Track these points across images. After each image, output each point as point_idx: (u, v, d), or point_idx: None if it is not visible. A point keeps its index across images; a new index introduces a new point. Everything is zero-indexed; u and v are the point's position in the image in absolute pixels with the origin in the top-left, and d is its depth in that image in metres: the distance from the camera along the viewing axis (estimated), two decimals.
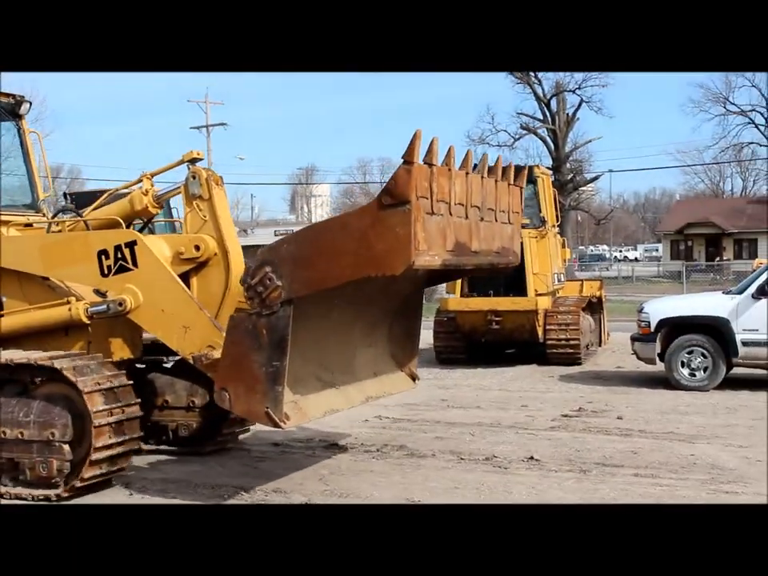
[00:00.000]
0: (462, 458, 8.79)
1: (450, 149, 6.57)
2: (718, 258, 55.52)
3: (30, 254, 8.11)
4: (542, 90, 50.15)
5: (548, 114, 50.37)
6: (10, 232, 8.51)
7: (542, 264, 15.91)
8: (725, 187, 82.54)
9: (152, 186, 8.49)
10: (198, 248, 7.79)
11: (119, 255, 7.67)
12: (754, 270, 15.54)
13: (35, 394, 7.45)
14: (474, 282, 15.80)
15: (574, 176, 49.49)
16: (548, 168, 32.50)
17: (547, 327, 15.62)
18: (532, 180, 16.65)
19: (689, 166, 76.64)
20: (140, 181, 8.52)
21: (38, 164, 9.36)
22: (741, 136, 62.44)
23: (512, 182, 7.96)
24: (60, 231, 8.62)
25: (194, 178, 7.85)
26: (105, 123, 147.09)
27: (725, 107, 60.98)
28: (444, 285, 15.97)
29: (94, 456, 7.11)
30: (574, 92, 50.22)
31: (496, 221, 7.61)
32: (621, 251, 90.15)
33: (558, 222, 18.06)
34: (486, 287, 15.66)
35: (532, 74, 48.64)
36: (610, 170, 59.42)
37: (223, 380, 6.73)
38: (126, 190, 8.85)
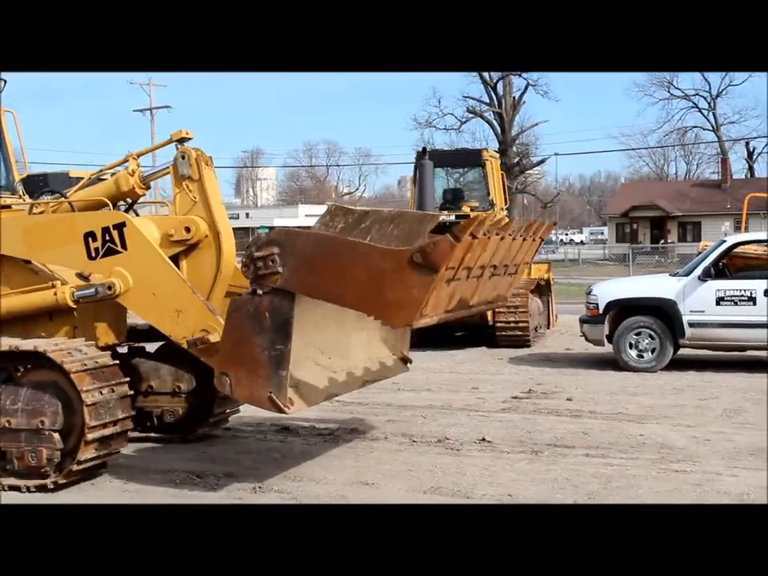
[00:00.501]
0: (414, 441, 8.82)
1: (496, 220, 6.65)
2: (662, 241, 56.29)
3: (13, 237, 7.84)
4: (489, 73, 50.29)
5: (494, 97, 50.70)
6: None
7: None
8: (669, 171, 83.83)
9: (138, 166, 8.28)
10: (188, 230, 7.61)
11: (107, 237, 7.47)
12: (700, 253, 15.74)
13: (22, 382, 7.27)
14: None
15: (521, 159, 49.87)
16: (495, 151, 32.64)
17: (496, 310, 15.69)
18: (480, 163, 16.74)
19: (633, 149, 77.73)
20: (125, 161, 8.30)
21: (13, 144, 9.05)
22: (685, 120, 63.55)
23: (536, 238, 7.96)
24: (42, 213, 8.34)
25: (183, 158, 7.66)
26: (46, 105, 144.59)
27: (669, 91, 62.03)
28: None
29: (89, 436, 6.92)
30: (520, 75, 50.51)
31: (504, 274, 7.64)
32: (567, 234, 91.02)
33: (506, 204, 18.16)
34: None
35: None
36: (556, 154, 59.83)
37: (224, 364, 6.61)
38: (110, 171, 8.64)
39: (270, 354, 6.33)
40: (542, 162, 54.95)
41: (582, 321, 14.01)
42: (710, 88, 61.94)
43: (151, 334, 8.74)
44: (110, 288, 7.40)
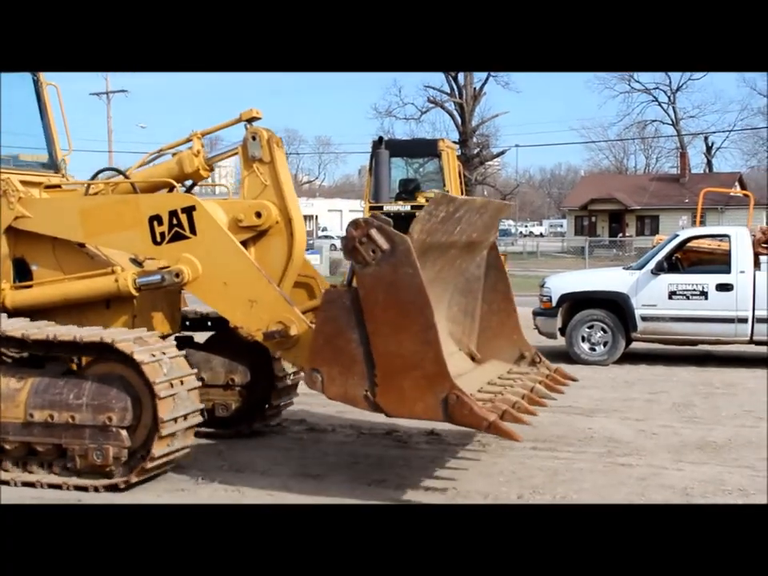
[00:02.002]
0: (362, 433, 8.80)
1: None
2: (620, 234, 56.76)
3: (69, 219, 7.44)
4: None
5: (455, 87, 50.71)
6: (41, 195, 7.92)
7: None
8: (628, 164, 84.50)
9: (203, 146, 7.92)
10: (259, 215, 7.22)
11: (174, 221, 7.10)
12: (654, 247, 15.88)
13: (86, 374, 6.96)
14: None
15: (481, 150, 49.95)
16: (455, 142, 32.76)
17: None
18: (437, 154, 16.77)
19: (594, 142, 78.25)
20: (189, 140, 7.93)
21: (56, 120, 8.68)
22: (644, 113, 64.10)
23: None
24: (98, 194, 7.98)
25: (253, 138, 7.31)
26: None
27: (629, 84, 62.46)
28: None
29: (163, 430, 6.55)
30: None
31: None
32: (526, 226, 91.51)
33: (462, 195, 18.18)
34: None
35: None
36: (516, 145, 60.16)
37: (315, 360, 6.38)
38: (171, 150, 8.19)
39: (365, 349, 6.16)
40: (502, 153, 55.18)
41: (535, 313, 14.06)
42: (670, 82, 62.57)
43: (200, 323, 8.57)
44: (177, 275, 7.04)
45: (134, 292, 7.31)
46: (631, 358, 13.48)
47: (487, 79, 50.61)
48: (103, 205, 7.52)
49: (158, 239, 7.15)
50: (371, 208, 16.83)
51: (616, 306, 13.20)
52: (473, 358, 8.14)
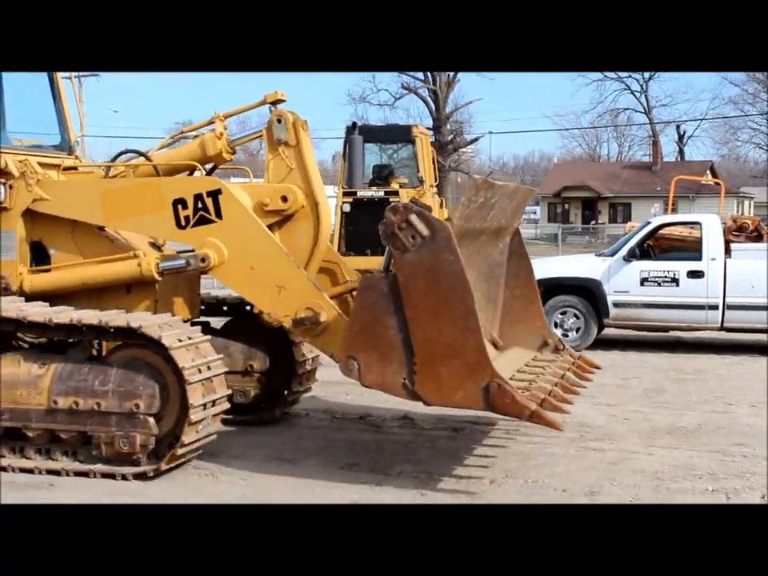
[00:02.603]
0: (335, 417, 8.83)
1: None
2: (593, 222, 57.00)
3: (89, 202, 7.28)
4: None
5: (429, 74, 50.61)
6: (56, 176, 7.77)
7: None
8: (601, 152, 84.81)
9: (225, 128, 7.78)
10: (285, 199, 7.08)
11: (200, 205, 6.97)
12: (626, 234, 15.97)
13: (110, 360, 6.83)
14: (350, 241, 15.78)
15: (455, 137, 49.99)
16: (428, 128, 32.71)
17: None
18: (410, 140, 16.78)
19: (567, 129, 78.42)
20: (211, 122, 7.80)
21: (68, 103, 8.54)
22: (617, 101, 64.28)
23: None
24: (116, 176, 7.86)
25: (279, 121, 7.15)
26: None
27: (602, 73, 62.26)
28: None
29: (193, 417, 6.43)
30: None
31: None
32: None
33: (436, 182, 18.21)
34: (363, 247, 15.70)
35: None
36: (490, 132, 60.29)
37: (351, 348, 6.29)
38: (193, 132, 8.10)
39: (403, 336, 6.09)
40: (476, 140, 55.22)
41: None
42: (643, 72, 62.62)
43: (217, 307, 8.45)
44: (203, 260, 6.93)
45: (157, 277, 7.21)
46: (603, 344, 13.56)
47: None
48: (125, 188, 7.41)
49: (183, 223, 7.04)
50: (345, 193, 16.83)
51: (588, 293, 13.27)
52: (495, 345, 8.03)
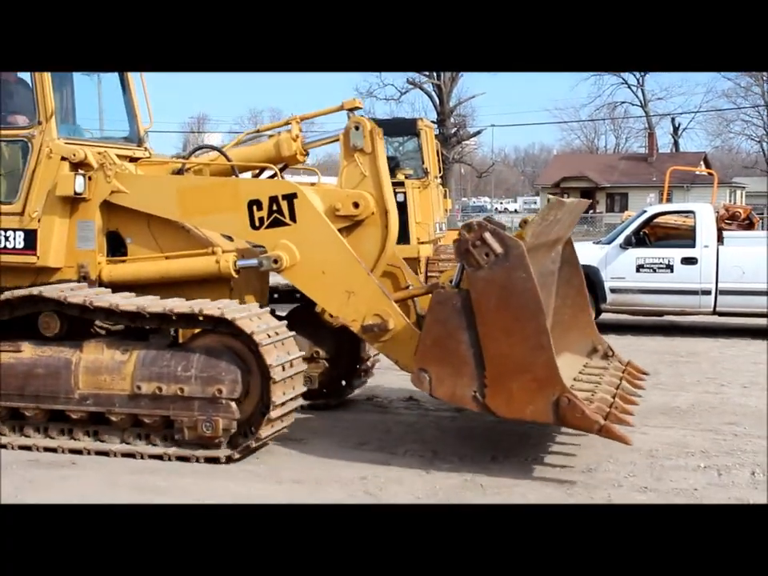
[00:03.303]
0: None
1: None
2: (591, 211, 56.81)
3: (166, 198, 7.20)
4: None
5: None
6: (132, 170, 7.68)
7: (424, 213, 15.95)
8: (599, 144, 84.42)
9: (301, 130, 7.73)
10: (356, 205, 6.97)
11: (274, 207, 6.88)
12: (623, 222, 15.96)
13: (193, 347, 6.75)
14: None
15: (458, 130, 49.81)
16: (433, 122, 32.62)
17: (428, 274, 15.71)
18: (415, 133, 16.71)
19: (566, 122, 78.13)
20: (287, 123, 7.76)
21: (138, 96, 8.45)
22: (614, 95, 63.96)
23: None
24: (189, 170, 7.81)
25: (357, 128, 7.03)
26: None
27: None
28: None
29: (273, 413, 6.39)
30: None
31: None
32: (501, 203, 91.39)
33: (440, 173, 18.15)
34: None
35: None
36: (492, 125, 59.88)
37: (423, 360, 6.21)
38: (269, 132, 8.05)
39: (474, 351, 6.03)
40: (479, 133, 54.93)
41: None
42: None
43: (289, 295, 8.31)
44: (275, 262, 6.84)
45: (233, 274, 7.15)
46: (601, 328, 13.35)
47: None
48: (202, 186, 7.32)
49: (257, 224, 6.96)
50: None
51: (586, 279, 13.18)
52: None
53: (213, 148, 8.27)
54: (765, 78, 53.82)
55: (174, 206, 7.17)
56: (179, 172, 7.73)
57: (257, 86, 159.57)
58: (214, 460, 6.52)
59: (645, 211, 14.44)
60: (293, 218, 6.87)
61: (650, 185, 54.68)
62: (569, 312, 8.07)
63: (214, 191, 7.16)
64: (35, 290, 6.81)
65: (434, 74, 49.90)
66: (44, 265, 7.21)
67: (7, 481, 6.18)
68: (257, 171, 8.01)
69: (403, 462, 6.73)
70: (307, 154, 7.91)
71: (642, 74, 62.12)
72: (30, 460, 6.72)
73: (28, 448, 6.85)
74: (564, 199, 7.16)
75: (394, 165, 17.69)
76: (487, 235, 5.92)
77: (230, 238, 7.43)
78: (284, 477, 6.38)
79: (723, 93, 61.67)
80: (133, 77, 8.32)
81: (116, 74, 8.29)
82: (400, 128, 18.38)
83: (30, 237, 7.16)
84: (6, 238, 7.19)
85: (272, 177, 7.66)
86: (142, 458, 6.65)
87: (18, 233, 7.19)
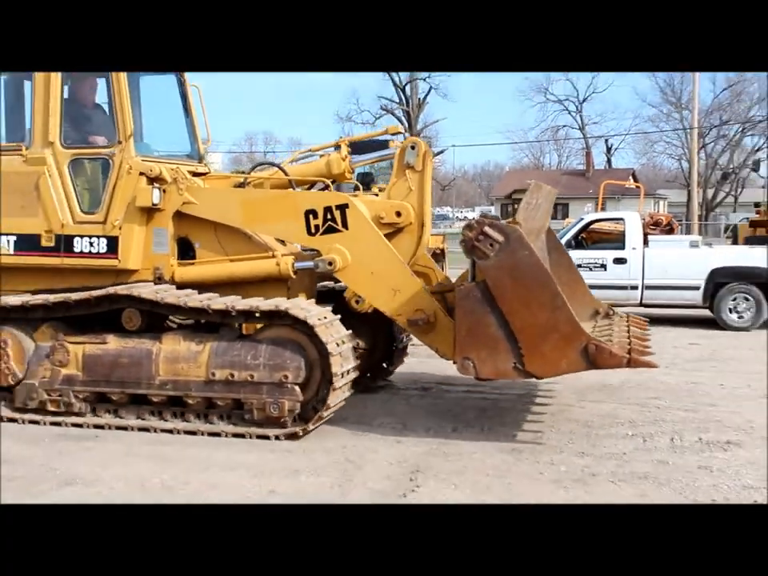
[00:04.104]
0: None
1: None
2: None
3: (232, 208, 7.09)
4: (399, 77, 50.22)
5: (403, 98, 50.57)
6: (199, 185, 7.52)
7: None
8: (544, 161, 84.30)
9: (349, 152, 7.66)
10: (399, 214, 6.86)
11: (329, 216, 6.79)
12: (564, 228, 16.03)
13: (260, 338, 6.65)
14: None
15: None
16: (401, 142, 32.58)
17: None
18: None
19: (516, 143, 78.09)
20: (337, 145, 7.67)
21: (198, 116, 8.38)
22: (557, 120, 64.03)
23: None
24: (249, 184, 7.65)
25: (412, 148, 6.90)
26: None
27: (545, 96, 62.29)
28: None
29: (336, 383, 6.34)
30: (424, 80, 50.55)
31: None
32: (461, 212, 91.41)
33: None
34: None
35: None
36: (453, 146, 59.80)
37: (463, 350, 6.07)
38: (321, 152, 7.90)
39: (505, 330, 5.92)
40: (442, 152, 54.43)
41: None
42: (578, 94, 62.59)
43: (329, 294, 8.10)
44: (330, 264, 6.75)
45: (292, 275, 7.04)
46: None
47: (429, 91, 50.57)
48: (264, 198, 7.21)
49: (313, 230, 6.87)
50: None
51: None
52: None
53: (272, 164, 8.19)
54: (683, 106, 54.14)
55: (238, 216, 7.08)
56: (241, 185, 7.66)
57: (251, 111, 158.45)
58: (294, 435, 6.48)
59: (582, 219, 14.54)
60: (345, 225, 6.80)
61: (587, 196, 54.78)
62: (566, 288, 7.97)
63: (275, 202, 7.08)
64: (135, 291, 6.76)
65: (404, 101, 49.95)
66: (124, 267, 7.12)
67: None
68: (307, 186, 7.92)
69: (378, 433, 6.74)
70: (353, 172, 7.84)
71: (581, 101, 62.31)
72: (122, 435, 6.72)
73: (124, 428, 6.80)
74: (541, 183, 7.15)
75: (370, 179, 17.67)
76: (487, 229, 5.86)
77: (282, 243, 7.35)
78: (275, 447, 6.38)
79: (648, 118, 61.76)
80: (193, 98, 8.23)
81: (179, 96, 8.21)
82: (375, 147, 18.40)
83: (112, 242, 7.06)
84: (91, 244, 7.09)
85: (323, 189, 7.60)
86: (226, 435, 6.58)
87: (101, 239, 7.09)
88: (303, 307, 6.54)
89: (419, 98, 50.86)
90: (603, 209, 27.33)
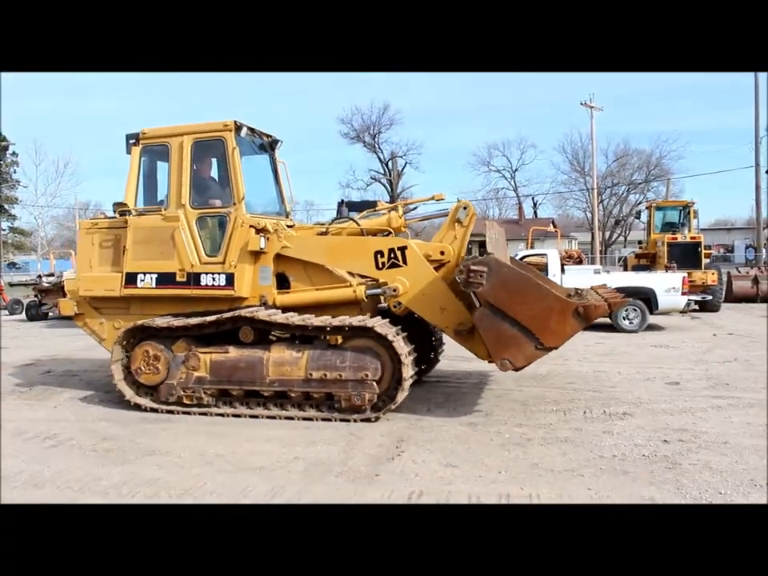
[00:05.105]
0: None
1: None
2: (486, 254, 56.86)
3: (318, 250, 6.98)
4: (383, 155, 50.61)
5: (387, 169, 50.79)
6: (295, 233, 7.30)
7: None
8: (489, 214, 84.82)
9: (405, 212, 7.65)
10: (443, 253, 6.74)
11: (392, 255, 6.72)
12: None
13: (346, 347, 6.45)
14: None
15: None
16: (387, 202, 32.74)
17: None
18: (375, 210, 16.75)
19: (468, 201, 78.19)
20: (395, 206, 7.61)
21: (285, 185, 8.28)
22: (497, 184, 64.37)
23: None
24: (329, 233, 7.41)
25: (464, 208, 6.82)
26: None
27: (488, 167, 62.60)
28: None
29: (404, 384, 6.25)
30: (401, 157, 50.91)
31: None
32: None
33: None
34: None
35: (377, 145, 48.95)
36: (424, 203, 59.99)
37: (499, 354, 5.86)
38: (383, 210, 7.79)
39: (519, 328, 5.74)
40: (415, 208, 55.16)
41: None
42: (512, 165, 62.86)
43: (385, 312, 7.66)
44: (394, 290, 6.67)
45: (364, 299, 6.87)
46: None
47: (405, 165, 50.86)
48: (344, 243, 7.10)
49: (380, 266, 6.80)
50: None
51: None
52: None
53: (349, 218, 8.08)
54: (586, 173, 54.54)
55: (324, 256, 7.00)
56: (324, 233, 7.48)
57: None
58: (367, 420, 6.36)
59: (517, 254, 14.57)
60: (404, 261, 6.74)
61: (520, 238, 54.69)
62: (542, 282, 7.92)
63: (352, 246, 7.00)
64: (261, 315, 6.66)
65: (388, 172, 50.17)
66: (239, 295, 7.01)
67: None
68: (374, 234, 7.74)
69: (358, 417, 6.65)
70: (407, 227, 7.77)
71: (514, 170, 62.61)
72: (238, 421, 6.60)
73: (238, 416, 6.66)
74: (492, 221, 7.14)
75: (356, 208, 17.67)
76: (472, 266, 5.83)
77: (352, 276, 7.04)
78: (297, 424, 6.33)
79: (562, 182, 62.25)
80: (281, 171, 8.20)
81: (270, 169, 8.17)
82: (366, 206, 18.41)
83: (230, 277, 7.00)
84: (213, 279, 7.05)
85: (386, 236, 7.49)
86: (317, 420, 6.43)
87: (221, 275, 7.03)
88: (382, 324, 6.45)
89: (398, 170, 51.14)
90: (532, 247, 27.42)
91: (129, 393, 7.08)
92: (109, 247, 7.50)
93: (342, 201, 17.38)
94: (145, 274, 7.25)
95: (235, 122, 7.06)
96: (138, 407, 6.99)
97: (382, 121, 49.73)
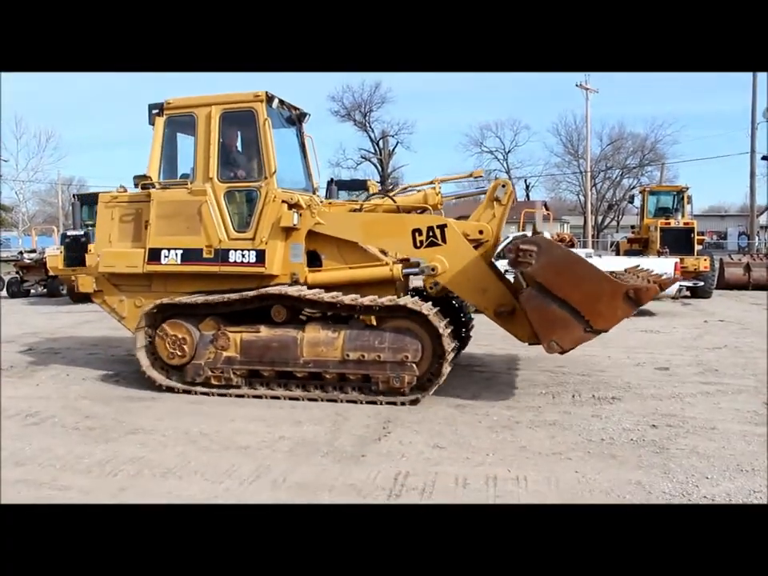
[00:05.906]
0: None
1: None
2: None
3: (352, 227, 6.77)
4: (374, 134, 50.28)
5: (377, 149, 50.49)
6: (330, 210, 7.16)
7: None
8: (481, 198, 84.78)
9: (440, 187, 7.42)
10: (481, 232, 6.63)
11: (431, 233, 6.56)
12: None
13: (384, 327, 6.30)
14: None
15: (393, 187, 49.68)
16: (377, 182, 32.60)
17: None
18: (366, 188, 16.67)
19: (460, 180, 78.11)
20: (432, 182, 7.42)
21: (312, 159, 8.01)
22: (490, 165, 64.25)
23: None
24: (364, 210, 7.20)
25: (503, 186, 6.70)
26: None
27: (480, 148, 62.38)
28: None
29: (448, 357, 6.18)
30: (393, 136, 50.60)
31: None
32: None
33: None
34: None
35: (368, 124, 48.64)
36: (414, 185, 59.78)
37: (546, 336, 5.75)
38: (420, 187, 7.64)
39: (568, 309, 5.64)
40: (405, 189, 54.91)
41: None
42: (504, 147, 62.71)
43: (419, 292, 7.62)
44: (433, 270, 6.51)
45: (401, 278, 6.73)
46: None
47: (396, 144, 50.58)
48: (379, 219, 6.89)
49: (418, 245, 6.65)
50: None
51: None
52: None
53: (384, 194, 7.95)
54: (579, 156, 54.54)
55: (359, 233, 6.79)
56: (357, 210, 7.27)
57: None
58: (415, 401, 6.26)
59: (509, 237, 14.55)
60: (443, 240, 6.60)
61: (512, 221, 55.03)
62: None
63: (388, 223, 6.80)
64: (304, 293, 6.52)
65: (378, 152, 49.89)
66: (269, 273, 6.80)
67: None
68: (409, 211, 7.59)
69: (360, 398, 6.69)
70: (442, 204, 7.67)
71: (506, 152, 62.50)
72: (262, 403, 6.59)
73: (276, 397, 6.52)
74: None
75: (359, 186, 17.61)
76: (521, 245, 5.70)
77: (384, 254, 6.86)
78: (284, 404, 6.34)
79: (555, 164, 62.15)
80: (308, 145, 7.97)
81: (297, 144, 7.85)
82: (357, 185, 18.34)
83: (260, 254, 6.77)
84: (243, 255, 6.84)
85: (421, 213, 7.28)
86: (360, 403, 6.32)
87: (251, 252, 6.83)
88: (414, 301, 6.31)
89: (389, 149, 50.83)
90: (524, 230, 27.46)
91: (159, 377, 6.86)
92: (129, 222, 7.26)
93: (332, 179, 17.41)
94: (169, 249, 7.00)
95: (266, 92, 6.84)
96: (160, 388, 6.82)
97: (373, 99, 49.33)
